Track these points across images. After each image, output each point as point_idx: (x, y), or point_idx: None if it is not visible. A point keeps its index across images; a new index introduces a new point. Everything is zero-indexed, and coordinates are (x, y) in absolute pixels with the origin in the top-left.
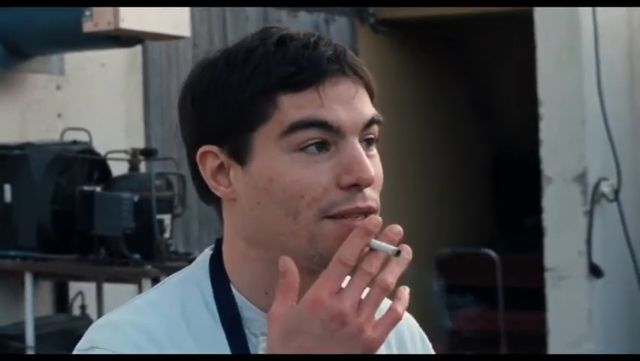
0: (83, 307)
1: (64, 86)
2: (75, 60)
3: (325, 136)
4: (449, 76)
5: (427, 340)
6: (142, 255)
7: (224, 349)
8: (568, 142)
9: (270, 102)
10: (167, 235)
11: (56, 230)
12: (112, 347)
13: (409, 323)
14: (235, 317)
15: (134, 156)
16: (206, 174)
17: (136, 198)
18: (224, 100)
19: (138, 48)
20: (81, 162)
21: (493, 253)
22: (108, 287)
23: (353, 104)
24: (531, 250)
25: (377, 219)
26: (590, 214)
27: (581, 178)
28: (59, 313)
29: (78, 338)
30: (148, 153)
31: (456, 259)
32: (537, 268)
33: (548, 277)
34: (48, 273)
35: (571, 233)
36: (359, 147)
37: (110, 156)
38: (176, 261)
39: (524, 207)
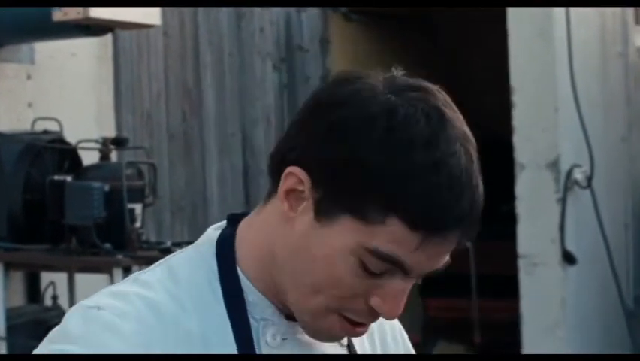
0: (54, 298)
1: (35, 75)
2: (45, 49)
3: (395, 269)
4: (422, 63)
5: (406, 336)
6: (113, 244)
7: (226, 328)
8: (540, 129)
9: (382, 214)
10: (138, 224)
11: (27, 220)
12: (116, 313)
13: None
14: (239, 298)
15: (105, 146)
16: (282, 187)
17: (107, 187)
18: (357, 164)
19: (109, 37)
20: (52, 151)
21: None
22: (80, 277)
23: (441, 258)
24: (505, 237)
25: None
26: (562, 201)
27: (554, 165)
28: (31, 304)
29: (50, 328)
30: (119, 142)
31: None
32: (511, 256)
33: (522, 264)
34: (19, 263)
35: (544, 220)
36: (407, 288)
37: (80, 145)
38: (147, 250)
39: (498, 194)
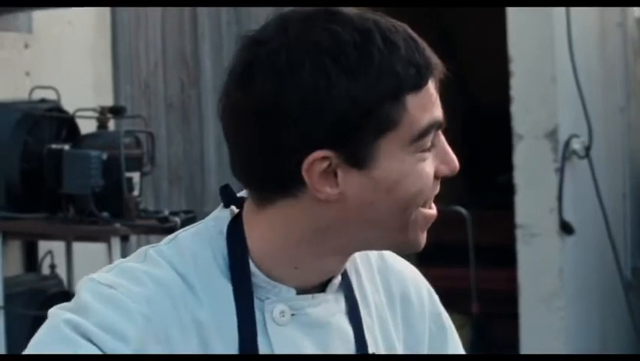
0: (52, 267)
1: (33, 44)
2: (43, 18)
3: (435, 133)
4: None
5: (434, 295)
6: (111, 213)
7: (231, 308)
8: (539, 99)
9: (399, 106)
10: (136, 192)
11: (25, 189)
12: (128, 296)
13: (414, 278)
14: (247, 280)
15: (103, 114)
16: (312, 179)
17: (104, 156)
18: (350, 105)
19: None
20: (49, 120)
21: (464, 211)
22: (77, 246)
23: (438, 98)
24: (503, 207)
25: None
26: (560, 171)
27: (552, 135)
28: (29, 273)
29: (48, 297)
30: (116, 111)
31: None
32: (509, 226)
33: (519, 234)
34: (17, 232)
35: (542, 190)
36: (444, 138)
37: (78, 114)
38: (145, 219)
39: (496, 164)
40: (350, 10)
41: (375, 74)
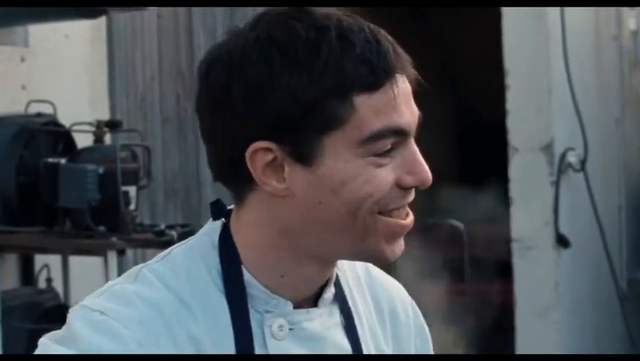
0: (48, 280)
1: (29, 57)
2: (39, 32)
3: (397, 140)
4: (412, 43)
5: (418, 310)
6: (107, 227)
7: (228, 322)
8: (534, 112)
9: (346, 104)
10: (132, 206)
11: (21, 203)
12: (120, 320)
13: (400, 294)
14: (241, 293)
15: (99, 128)
16: (256, 170)
17: (101, 170)
18: (290, 98)
19: (102, 19)
20: (46, 134)
21: (460, 224)
22: (74, 260)
23: (411, 101)
24: (498, 220)
25: None
26: (556, 184)
27: (548, 148)
28: (25, 287)
29: (44, 311)
30: (113, 125)
31: (422, 231)
32: (504, 239)
33: (515, 247)
34: (13, 246)
35: (537, 203)
36: (417, 149)
37: (74, 128)
38: (141, 233)
39: (491, 177)
40: (321, 10)
41: (320, 69)
